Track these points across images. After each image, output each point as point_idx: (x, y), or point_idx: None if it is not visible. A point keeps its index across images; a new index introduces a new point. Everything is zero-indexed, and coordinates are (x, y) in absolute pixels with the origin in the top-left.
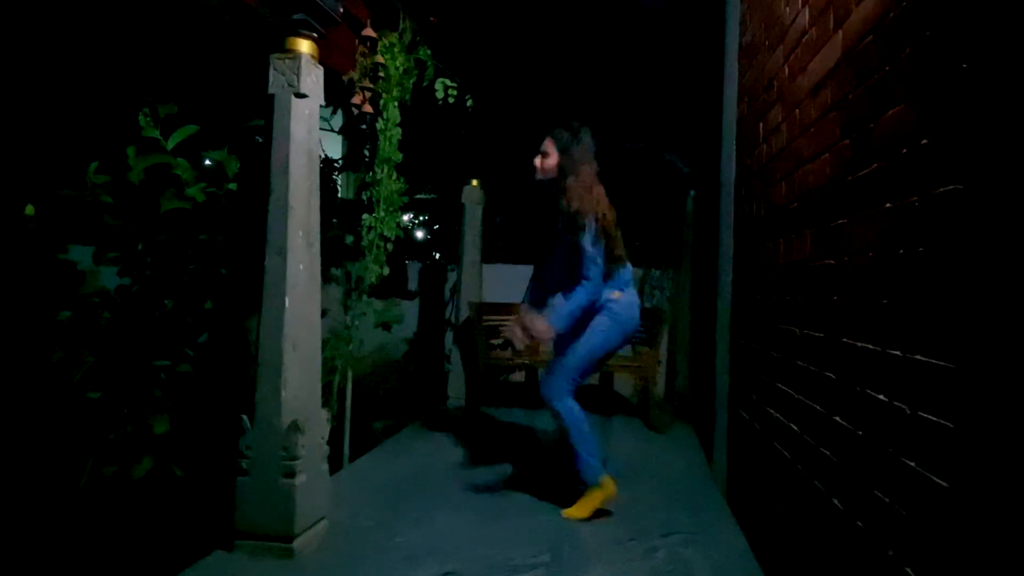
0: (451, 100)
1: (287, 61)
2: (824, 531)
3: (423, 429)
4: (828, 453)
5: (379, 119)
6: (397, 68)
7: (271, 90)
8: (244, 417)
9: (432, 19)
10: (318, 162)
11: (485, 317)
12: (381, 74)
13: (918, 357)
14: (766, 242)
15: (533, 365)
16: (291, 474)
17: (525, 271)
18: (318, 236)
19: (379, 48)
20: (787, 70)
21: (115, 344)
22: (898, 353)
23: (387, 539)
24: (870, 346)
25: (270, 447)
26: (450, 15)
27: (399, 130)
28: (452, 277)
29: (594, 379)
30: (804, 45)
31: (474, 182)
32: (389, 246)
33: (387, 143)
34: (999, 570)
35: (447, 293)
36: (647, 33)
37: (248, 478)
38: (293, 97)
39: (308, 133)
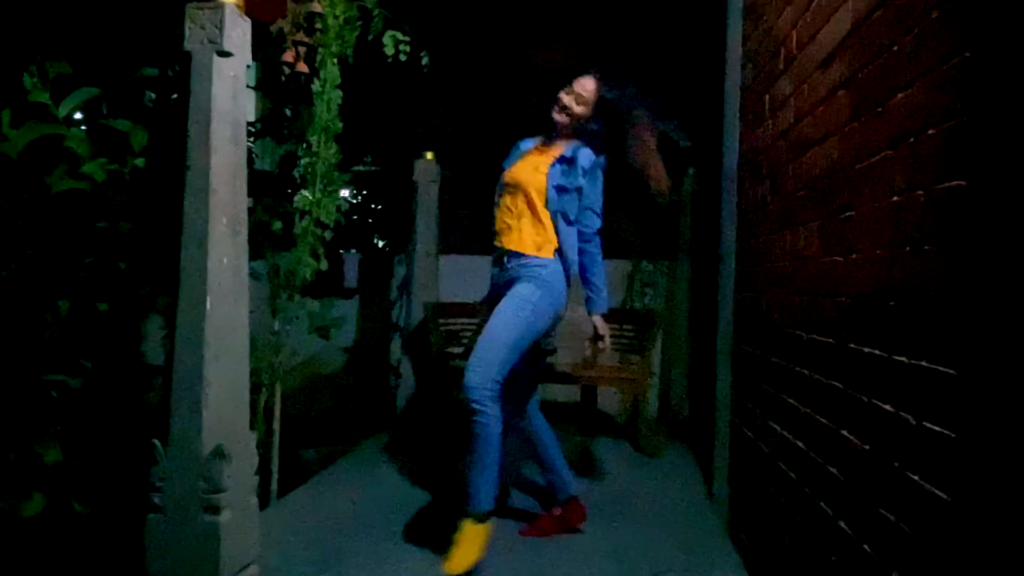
0: (403, 57)
1: (207, 12)
2: (830, 560)
3: (366, 456)
4: (835, 471)
5: (315, 79)
6: (336, 18)
7: (187, 46)
8: (156, 443)
9: None
10: (245, 134)
11: (443, 320)
12: (318, 25)
13: (923, 363)
14: (772, 234)
15: None
16: (214, 509)
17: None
18: (245, 223)
19: None
20: (795, 37)
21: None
22: (904, 359)
23: None
24: (876, 352)
25: (188, 478)
26: None
27: (339, 92)
28: (400, 271)
29: (575, 395)
30: (814, 11)
31: (428, 155)
32: (327, 234)
33: (324, 108)
34: None
35: (394, 290)
36: None
37: (161, 515)
38: (215, 56)
39: (233, 99)
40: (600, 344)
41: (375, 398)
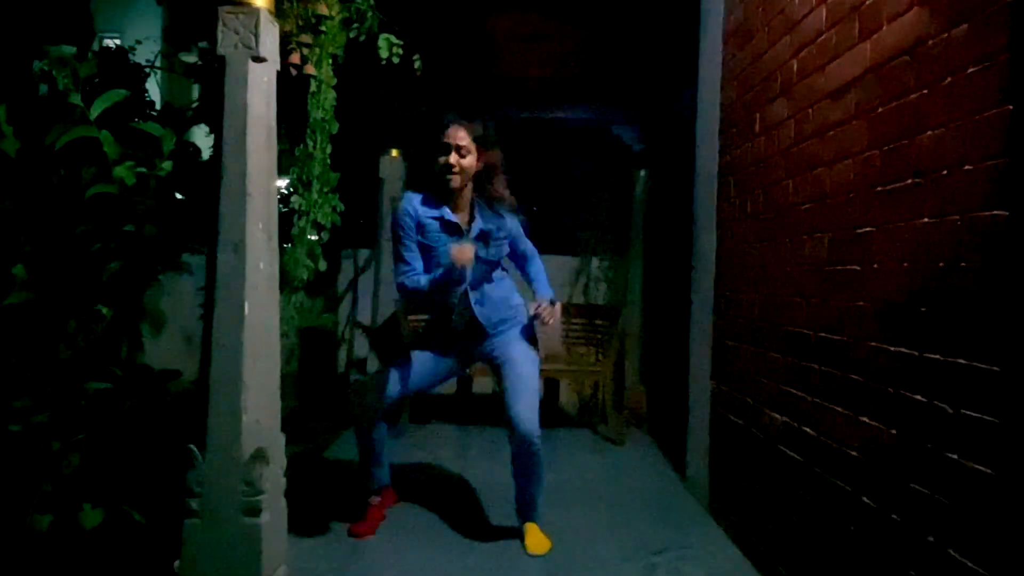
0: (396, 60)
1: (241, 16)
2: (848, 528)
3: (336, 457)
4: (855, 453)
5: (311, 80)
6: (332, 19)
7: (221, 50)
8: (193, 448)
9: None
10: (276, 139)
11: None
12: (323, 28)
13: (960, 361)
14: (764, 242)
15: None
16: (255, 512)
17: None
18: (276, 228)
19: None
20: (796, 65)
21: (38, 362)
22: (938, 357)
23: None
24: (904, 350)
25: (227, 481)
26: None
27: (334, 93)
28: (347, 265)
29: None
30: (820, 45)
31: (394, 152)
32: (324, 235)
33: (319, 109)
34: None
35: (343, 285)
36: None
37: (198, 520)
38: (250, 62)
39: (267, 106)
40: (546, 319)
41: (336, 395)
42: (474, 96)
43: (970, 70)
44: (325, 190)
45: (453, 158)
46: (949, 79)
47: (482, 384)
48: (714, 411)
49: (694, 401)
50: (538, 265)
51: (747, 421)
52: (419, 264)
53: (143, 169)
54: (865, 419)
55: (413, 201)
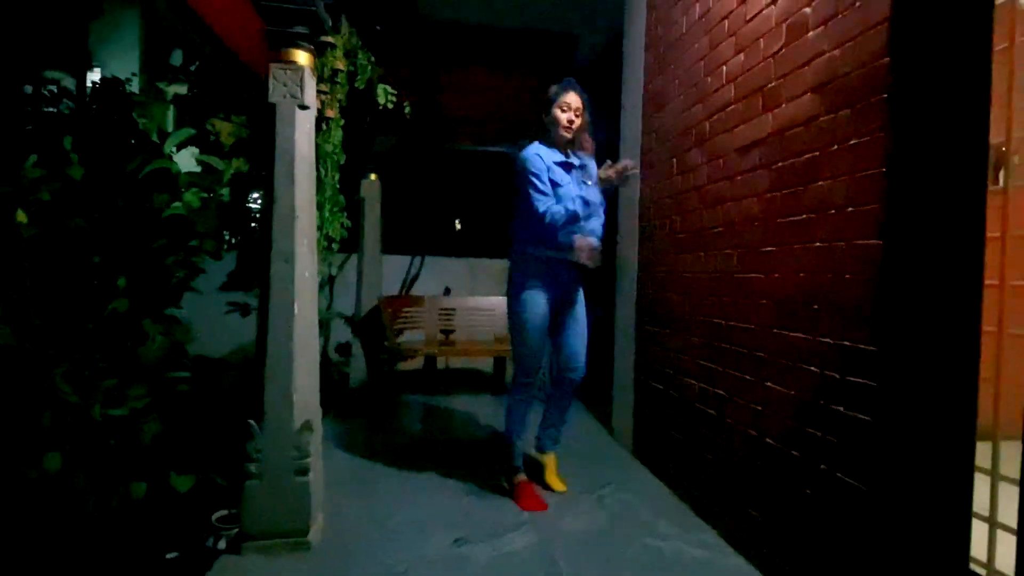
0: (390, 106)
1: (288, 72)
2: (756, 463)
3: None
4: (759, 407)
5: (323, 121)
6: (343, 71)
7: (272, 99)
8: (252, 422)
9: (377, 27)
10: (314, 171)
11: (392, 309)
12: (339, 80)
13: (846, 343)
14: (680, 254)
15: (431, 355)
16: (304, 472)
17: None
18: (315, 242)
19: (327, 52)
20: (708, 126)
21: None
22: (829, 340)
23: (387, 519)
24: (801, 335)
25: (281, 448)
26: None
27: (341, 131)
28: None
29: (487, 365)
30: (730, 113)
31: (373, 176)
32: (335, 246)
33: (329, 143)
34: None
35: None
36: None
37: (258, 481)
38: (297, 109)
39: (308, 145)
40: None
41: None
42: (431, 130)
43: (852, 141)
44: (335, 210)
45: (571, 115)
46: (836, 147)
47: (440, 361)
48: (638, 379)
49: (619, 373)
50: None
51: (665, 386)
52: (553, 197)
53: (205, 195)
54: (769, 383)
55: (539, 149)
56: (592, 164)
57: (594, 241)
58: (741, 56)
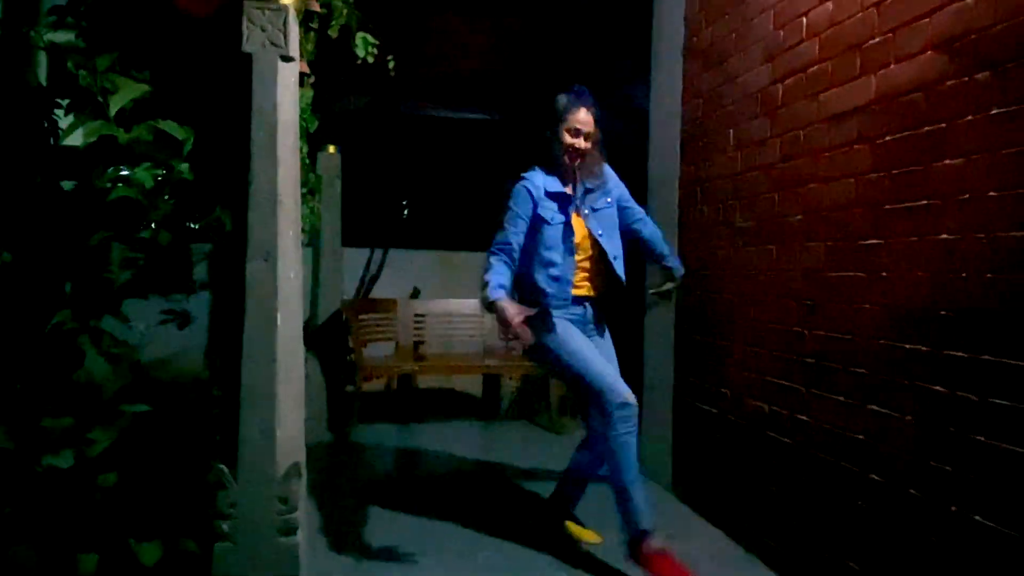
0: (371, 60)
1: (268, 13)
2: (855, 505)
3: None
4: (861, 437)
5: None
6: (316, 12)
7: (247, 48)
8: (222, 468)
9: None
10: (299, 142)
11: (363, 317)
12: (313, 25)
13: (984, 357)
14: (746, 247)
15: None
16: (291, 531)
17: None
18: (299, 233)
19: None
20: (781, 90)
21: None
22: (962, 355)
23: None
24: (919, 347)
25: (261, 500)
26: None
27: (312, 90)
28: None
29: (475, 387)
30: (812, 75)
31: (331, 148)
32: (304, 237)
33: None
34: None
35: None
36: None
37: (230, 544)
38: (279, 61)
39: (293, 108)
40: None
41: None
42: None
43: (994, 111)
44: (303, 191)
45: (580, 141)
46: (970, 116)
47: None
48: (678, 399)
49: (650, 390)
50: (655, 231)
51: (722, 410)
52: (517, 241)
53: (161, 172)
54: (873, 406)
55: (534, 180)
56: (605, 177)
57: (518, 316)
58: (828, 4)
